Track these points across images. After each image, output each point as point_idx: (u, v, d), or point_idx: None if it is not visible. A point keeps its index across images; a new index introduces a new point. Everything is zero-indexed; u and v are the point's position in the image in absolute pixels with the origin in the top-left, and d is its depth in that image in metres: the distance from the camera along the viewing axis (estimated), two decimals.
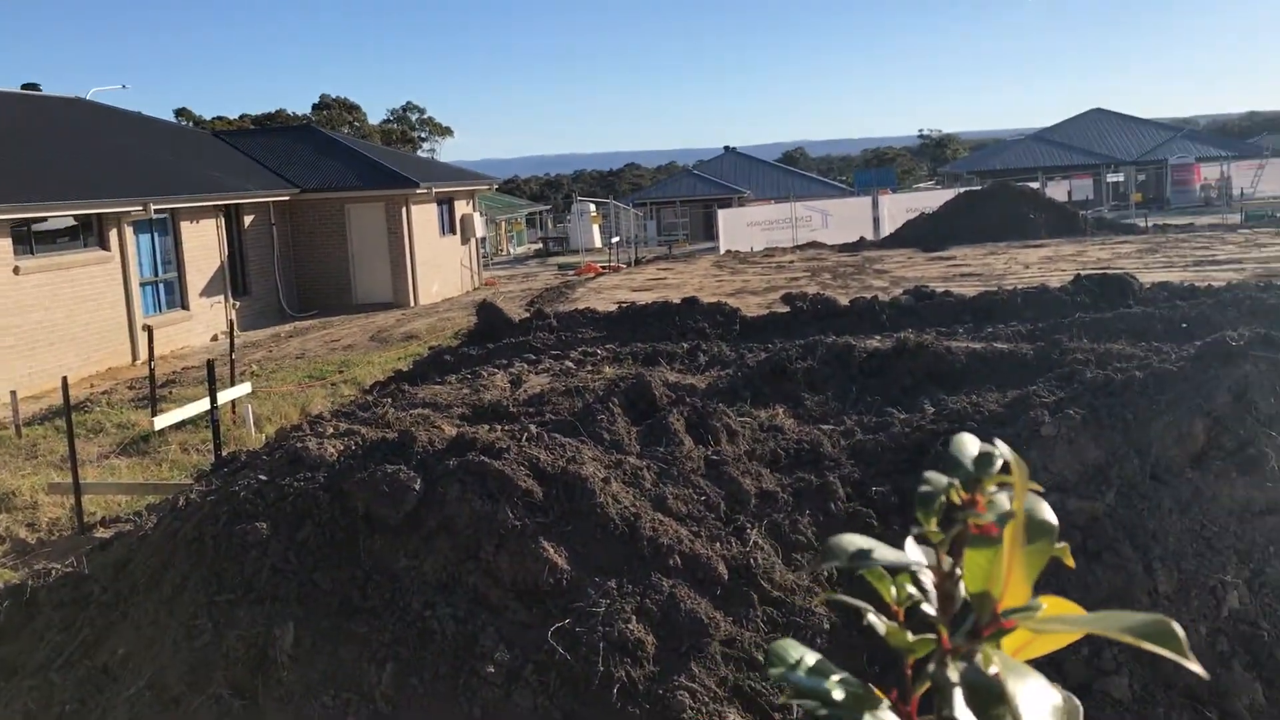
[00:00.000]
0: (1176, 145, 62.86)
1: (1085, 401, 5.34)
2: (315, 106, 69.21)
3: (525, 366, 8.60)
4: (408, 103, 77.82)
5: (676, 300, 11.26)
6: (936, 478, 0.85)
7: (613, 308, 15.35)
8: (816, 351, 6.71)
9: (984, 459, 0.85)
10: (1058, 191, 45.50)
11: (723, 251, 39.68)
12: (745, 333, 9.79)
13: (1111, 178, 51.47)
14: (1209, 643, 4.46)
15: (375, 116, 74.08)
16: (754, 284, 25.72)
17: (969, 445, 0.88)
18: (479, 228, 31.24)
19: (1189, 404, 5.10)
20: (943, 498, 0.84)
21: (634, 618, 4.10)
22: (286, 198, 24.72)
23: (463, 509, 4.20)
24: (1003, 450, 0.87)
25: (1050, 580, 4.64)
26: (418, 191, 25.54)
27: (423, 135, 74.37)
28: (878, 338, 7.55)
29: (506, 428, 5.00)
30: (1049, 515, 0.83)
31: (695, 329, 9.96)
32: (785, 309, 10.68)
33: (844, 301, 10.33)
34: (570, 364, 8.65)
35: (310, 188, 25.27)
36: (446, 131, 76.58)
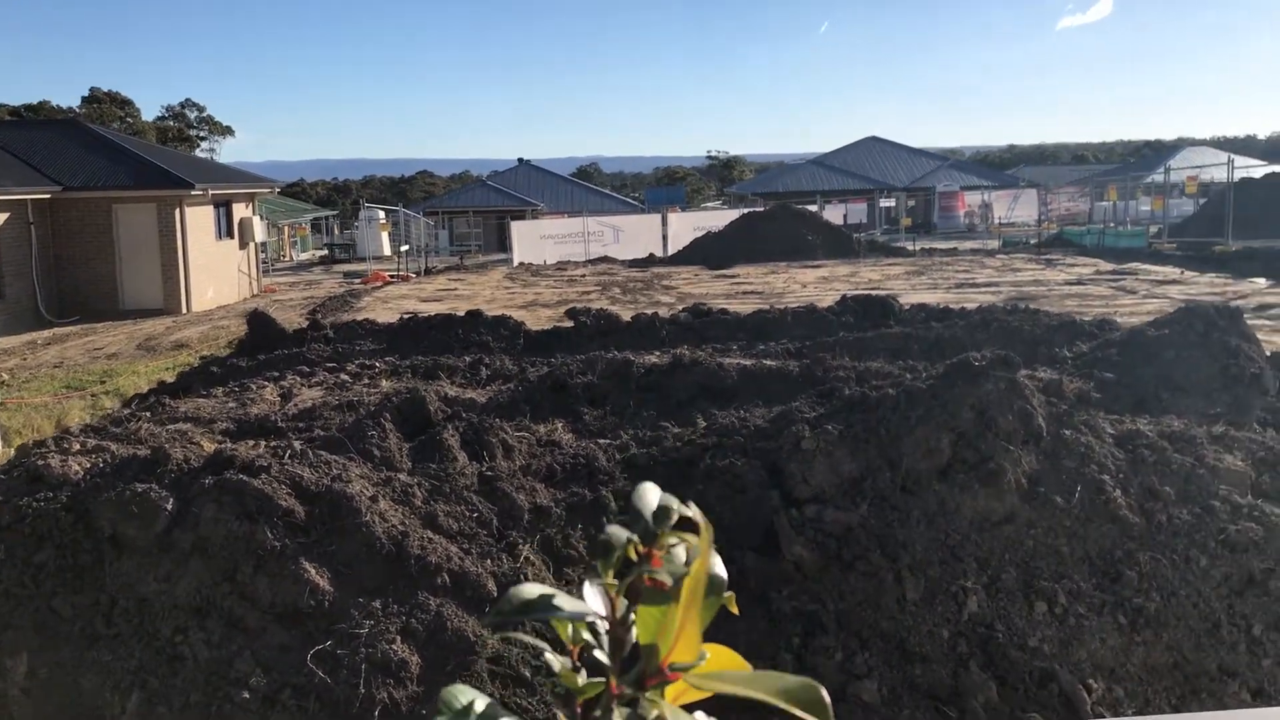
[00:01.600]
0: (944, 174, 67.02)
1: (843, 417, 5.61)
2: (84, 100, 65.06)
3: (298, 379, 8.31)
4: (186, 99, 74.09)
5: (462, 312, 11.15)
6: (617, 533, 0.86)
7: (397, 319, 15.07)
8: (597, 366, 6.79)
9: (662, 513, 0.87)
10: (835, 215, 47.67)
11: (516, 264, 39.60)
12: (529, 347, 9.81)
13: (884, 203, 54.33)
14: (950, 645, 4.75)
15: (150, 113, 70.25)
16: (546, 297, 25.78)
17: (649, 497, 0.89)
18: (259, 232, 30.04)
19: (936, 420, 5.43)
20: (621, 552, 0.85)
21: (399, 638, 4.03)
22: (47, 196, 23.09)
23: (219, 530, 4.03)
24: (690, 510, 0.88)
25: (809, 589, 4.85)
26: (193, 193, 24.35)
27: (201, 134, 71.06)
28: (656, 354, 7.72)
29: (271, 444, 4.83)
30: (721, 571, 0.86)
31: (479, 342, 9.89)
32: (570, 323, 10.76)
33: (626, 317, 10.50)
34: (346, 377, 8.42)
35: (75, 186, 23.69)
36: (227, 131, 73.44)
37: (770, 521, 5.06)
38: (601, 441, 6.00)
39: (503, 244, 50.14)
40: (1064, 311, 11.55)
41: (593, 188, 71.16)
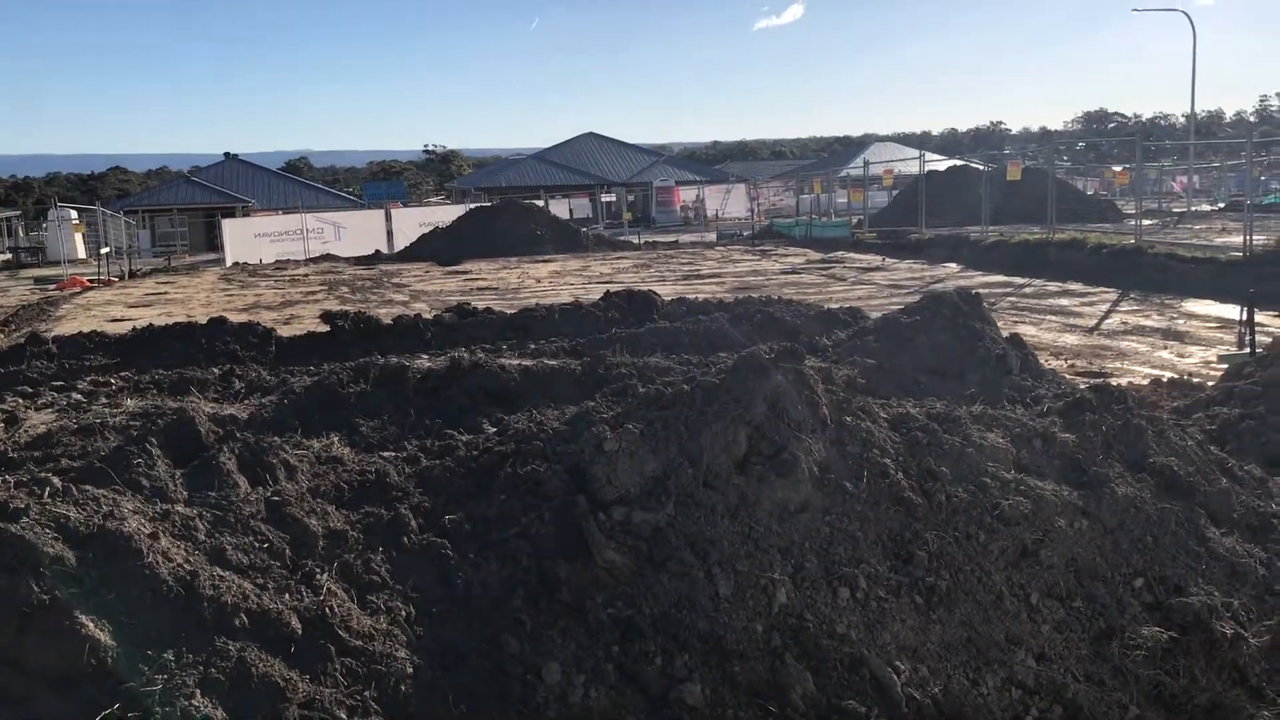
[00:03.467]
0: (659, 170, 69.13)
1: (641, 415, 5.55)
2: None
3: (21, 402, 7.36)
4: None
5: (198, 318, 10.29)
6: None
7: (111, 327, 13.77)
8: (369, 374, 6.41)
9: None
10: (560, 209, 48.14)
11: (229, 264, 37.40)
12: (282, 355, 9.17)
13: (605, 197, 55.35)
14: (765, 639, 4.78)
15: None
16: (268, 298, 24.44)
17: None
18: None
19: (732, 414, 5.46)
20: None
21: (197, 691, 3.60)
22: None
23: None
24: None
25: (624, 594, 4.74)
26: None
27: None
28: (425, 357, 7.40)
29: (15, 478, 4.21)
30: None
31: (226, 351, 9.15)
32: (324, 328, 10.17)
33: (387, 320, 10.03)
34: (80, 397, 7.54)
35: None
36: None
37: (580, 528, 4.92)
38: (385, 455, 5.66)
39: (212, 243, 47.29)
40: (785, 299, 12.08)
41: (306, 182, 68.45)
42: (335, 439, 5.83)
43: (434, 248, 36.13)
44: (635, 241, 41.61)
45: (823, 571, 5.07)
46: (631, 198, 57.57)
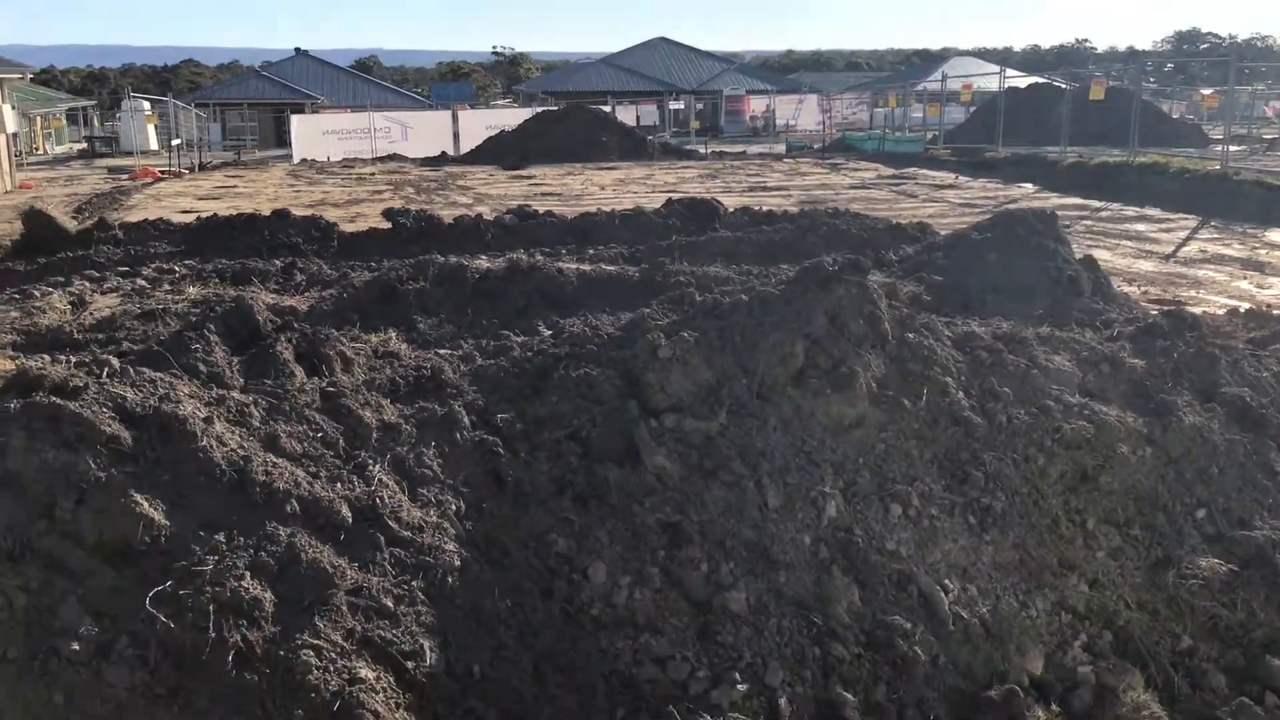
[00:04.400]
0: (729, 78, 67.84)
1: (697, 324, 5.48)
2: None
3: (89, 285, 7.46)
4: None
5: (264, 212, 10.33)
6: None
7: (179, 217, 13.92)
8: (428, 272, 6.39)
9: None
10: (626, 116, 47.57)
11: (297, 160, 37.62)
12: (344, 250, 9.19)
13: (673, 104, 54.47)
14: (812, 552, 4.75)
15: None
16: (335, 196, 24.57)
17: None
18: (10, 122, 27.23)
19: (790, 326, 5.37)
20: None
21: (248, 574, 3.66)
22: None
23: (31, 461, 3.52)
24: None
25: (672, 500, 4.73)
26: None
27: None
28: (484, 258, 7.36)
29: (77, 359, 4.27)
30: None
31: (288, 244, 9.19)
32: (386, 225, 10.16)
33: (448, 219, 9.98)
34: (144, 283, 7.62)
35: None
36: None
37: (630, 433, 4.90)
38: (441, 352, 5.67)
39: (281, 139, 47.53)
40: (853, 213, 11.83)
41: (376, 81, 68.29)
42: (393, 334, 5.85)
43: (500, 151, 35.97)
44: (702, 151, 41.07)
45: (875, 488, 5.01)
46: (700, 106, 56.62)
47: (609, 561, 4.49)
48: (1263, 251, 16.31)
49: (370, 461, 4.39)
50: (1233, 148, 27.02)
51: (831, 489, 4.96)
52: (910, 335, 5.73)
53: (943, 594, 4.65)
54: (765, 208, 19.16)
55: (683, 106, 54.14)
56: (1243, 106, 45.81)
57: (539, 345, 5.49)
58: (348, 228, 12.23)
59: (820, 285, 5.50)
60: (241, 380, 4.48)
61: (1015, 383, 5.64)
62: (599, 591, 4.33)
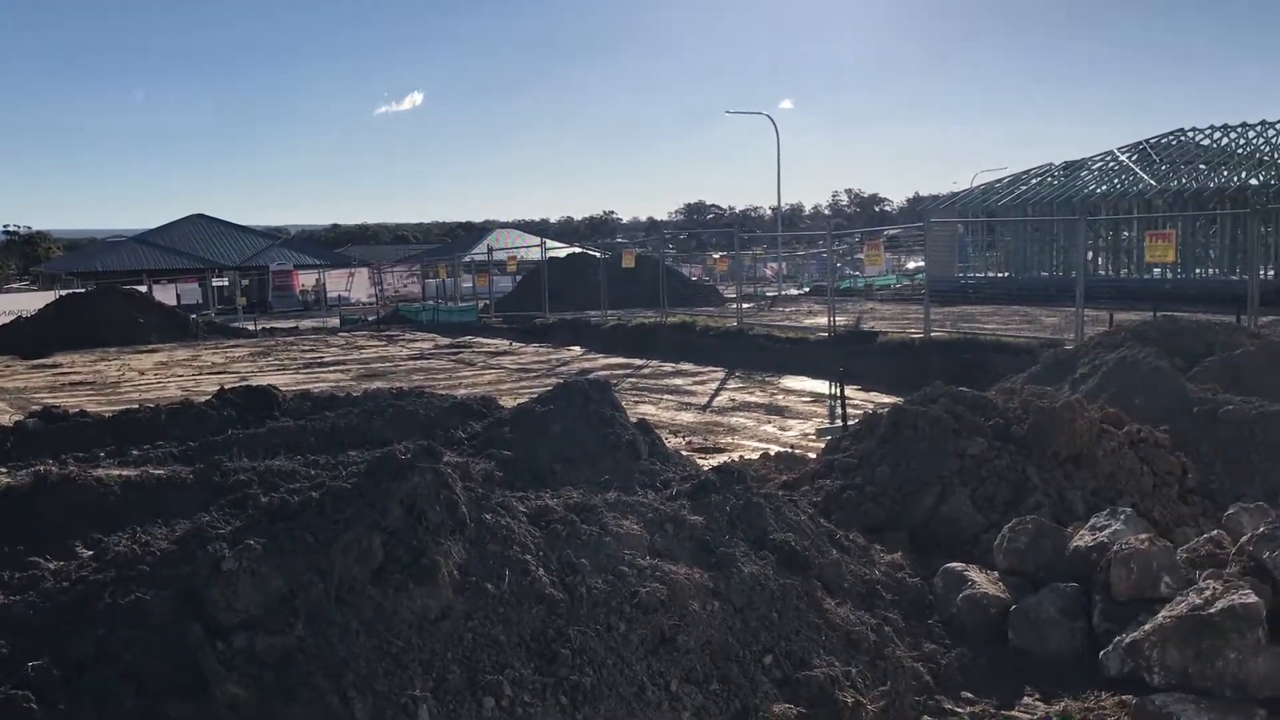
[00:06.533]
0: (275, 253, 66.62)
1: (264, 528, 5.12)
2: None
3: None
4: None
5: None
6: None
7: None
8: None
9: None
10: (165, 295, 45.06)
11: None
12: None
13: (217, 282, 52.40)
14: None
15: None
16: None
17: None
18: None
19: (366, 521, 5.17)
20: None
21: None
22: None
23: None
24: None
25: None
26: None
27: None
28: (4, 471, 6.47)
29: None
30: None
31: None
32: None
33: None
34: None
35: None
36: None
37: (196, 660, 4.42)
38: None
39: None
40: (414, 386, 11.90)
41: None
42: None
43: (17, 338, 32.48)
44: (252, 328, 39.64)
45: (466, 682, 4.87)
46: (246, 282, 54.88)
47: None
48: (780, 397, 18.33)
49: None
50: (745, 305, 30.42)
51: (422, 691, 4.75)
52: (488, 516, 5.72)
53: None
54: (325, 385, 18.68)
55: (227, 283, 52.17)
56: (747, 268, 52.00)
57: (78, 572, 4.85)
58: None
59: (394, 475, 5.37)
60: None
61: (590, 552, 5.78)
62: None
